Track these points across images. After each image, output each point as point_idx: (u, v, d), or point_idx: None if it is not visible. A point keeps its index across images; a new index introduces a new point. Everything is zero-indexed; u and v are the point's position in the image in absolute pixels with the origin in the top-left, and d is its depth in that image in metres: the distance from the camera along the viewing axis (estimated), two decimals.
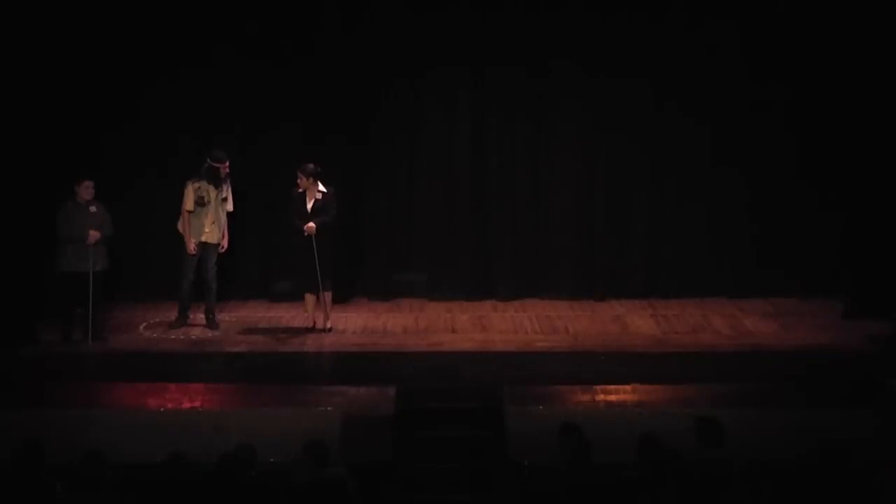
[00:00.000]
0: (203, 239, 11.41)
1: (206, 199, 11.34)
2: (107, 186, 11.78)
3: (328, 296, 11.42)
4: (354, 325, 11.77)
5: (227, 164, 11.32)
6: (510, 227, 12.68)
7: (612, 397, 9.77)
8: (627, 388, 9.86)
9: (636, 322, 11.93)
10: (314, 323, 11.47)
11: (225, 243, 11.53)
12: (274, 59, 12.24)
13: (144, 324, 11.80)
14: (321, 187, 11.19)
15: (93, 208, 10.96)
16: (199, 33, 12.05)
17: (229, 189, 11.49)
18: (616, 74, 12.36)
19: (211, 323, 11.60)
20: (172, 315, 11.69)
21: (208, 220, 11.37)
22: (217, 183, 11.34)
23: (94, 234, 10.87)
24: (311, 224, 11.06)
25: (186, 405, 9.69)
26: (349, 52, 12.24)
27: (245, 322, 11.89)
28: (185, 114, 12.18)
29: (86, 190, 10.92)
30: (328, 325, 11.46)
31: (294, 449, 7.60)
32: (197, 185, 11.33)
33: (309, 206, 11.17)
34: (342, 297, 12.13)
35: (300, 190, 11.18)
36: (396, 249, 12.79)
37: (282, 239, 12.05)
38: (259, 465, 7.47)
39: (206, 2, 12.05)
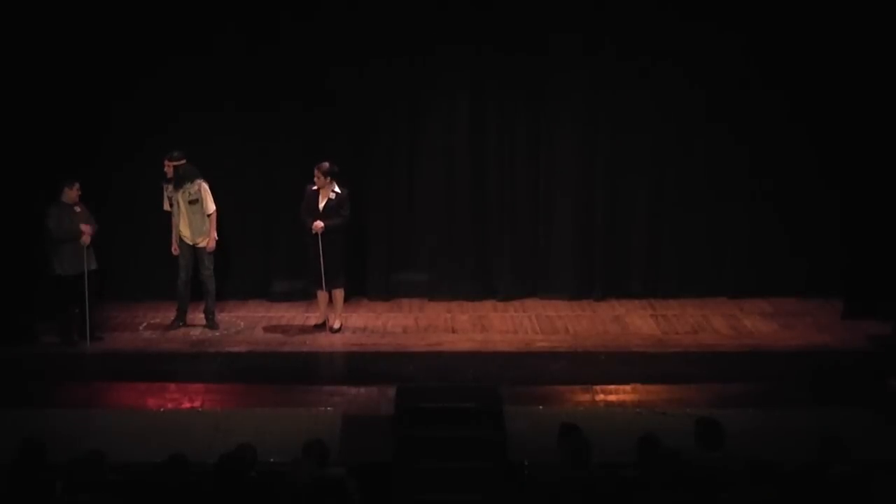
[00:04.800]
0: (183, 240, 11.47)
1: (173, 200, 11.41)
2: (106, 187, 11.83)
3: (340, 294, 11.44)
4: (354, 325, 11.76)
5: (167, 162, 11.28)
6: (510, 227, 12.67)
7: (612, 397, 9.78)
8: (627, 388, 9.87)
9: (636, 322, 11.93)
10: (325, 321, 11.48)
11: (210, 243, 11.48)
12: (273, 56, 12.19)
13: (144, 324, 11.80)
14: (336, 188, 11.20)
15: (77, 208, 10.98)
16: (192, 26, 11.91)
17: (200, 191, 11.40)
18: (614, 73, 12.33)
19: (211, 323, 11.60)
20: (172, 315, 11.69)
21: (182, 221, 11.42)
22: (174, 183, 11.35)
23: (87, 229, 10.90)
24: (320, 223, 11.07)
25: (186, 405, 9.69)
26: (348, 48, 12.19)
27: (245, 322, 11.89)
28: (185, 113, 12.12)
29: (76, 192, 10.92)
30: (336, 325, 11.47)
31: (294, 449, 7.61)
32: (166, 185, 11.44)
33: (321, 204, 11.18)
34: (343, 297, 12.10)
35: (315, 188, 11.19)
36: (396, 249, 12.78)
37: (288, 238, 12.10)
38: (259, 465, 7.47)
39: None
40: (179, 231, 11.44)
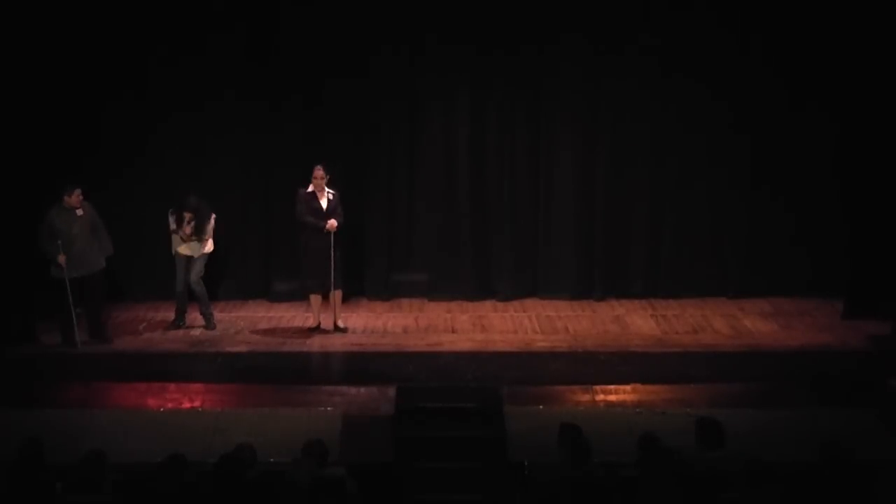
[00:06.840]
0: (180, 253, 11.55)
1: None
2: (106, 187, 11.82)
3: (338, 295, 11.46)
4: (354, 325, 11.76)
5: (187, 214, 11.32)
6: (510, 227, 12.66)
7: (612, 397, 9.78)
8: (627, 388, 9.87)
9: (636, 322, 11.92)
10: (319, 323, 11.47)
11: (207, 247, 11.55)
12: (273, 55, 12.17)
13: (144, 324, 11.80)
14: (329, 189, 11.23)
15: (80, 212, 10.95)
16: (191, 25, 11.88)
17: (213, 223, 11.46)
18: (614, 74, 12.33)
19: (209, 323, 11.59)
20: (172, 315, 11.69)
21: (183, 245, 11.47)
22: (195, 235, 11.42)
23: (63, 260, 10.84)
24: (334, 221, 11.10)
25: (186, 405, 9.69)
26: (348, 47, 12.18)
27: (245, 322, 11.88)
28: (184, 112, 12.11)
29: (76, 198, 10.89)
30: (340, 324, 11.49)
31: (294, 449, 7.61)
32: (176, 231, 11.48)
33: (324, 205, 11.19)
34: (342, 297, 12.11)
35: (309, 190, 11.19)
36: (396, 249, 12.78)
37: (289, 238, 12.09)
38: (259, 465, 7.47)
39: None
40: (178, 250, 11.47)
